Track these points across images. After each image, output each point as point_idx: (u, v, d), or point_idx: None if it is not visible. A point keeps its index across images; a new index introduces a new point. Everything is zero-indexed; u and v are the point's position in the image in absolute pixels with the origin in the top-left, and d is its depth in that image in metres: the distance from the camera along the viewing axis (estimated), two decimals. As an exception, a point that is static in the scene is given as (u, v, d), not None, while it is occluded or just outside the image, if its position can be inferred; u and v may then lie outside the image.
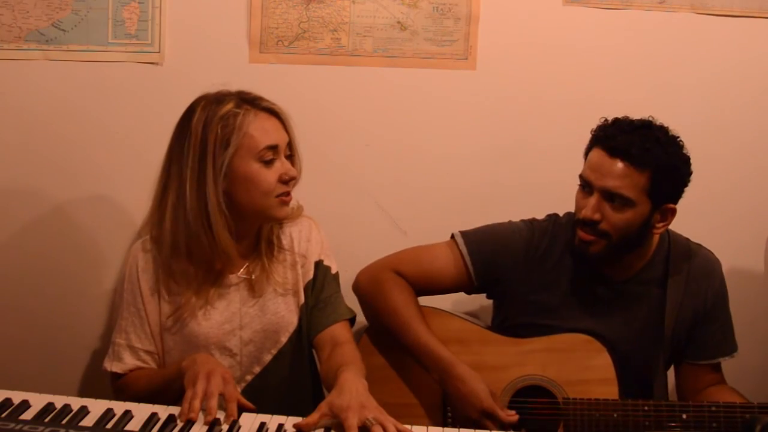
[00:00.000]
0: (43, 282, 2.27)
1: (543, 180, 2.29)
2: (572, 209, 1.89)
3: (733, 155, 2.30)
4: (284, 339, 1.83)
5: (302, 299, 1.84)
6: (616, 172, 1.74)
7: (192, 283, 1.76)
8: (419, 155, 2.29)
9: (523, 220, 1.98)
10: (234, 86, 1.77)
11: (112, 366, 1.78)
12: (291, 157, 1.77)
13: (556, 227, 1.94)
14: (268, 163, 1.70)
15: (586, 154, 1.84)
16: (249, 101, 1.72)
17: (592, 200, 1.78)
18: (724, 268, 1.95)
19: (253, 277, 1.80)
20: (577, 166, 1.87)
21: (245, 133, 1.67)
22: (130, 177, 2.22)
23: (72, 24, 2.14)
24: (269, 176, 1.70)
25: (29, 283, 2.26)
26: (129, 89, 2.19)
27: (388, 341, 1.95)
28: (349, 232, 2.27)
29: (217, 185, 1.66)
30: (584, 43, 2.25)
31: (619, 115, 1.85)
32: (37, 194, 2.22)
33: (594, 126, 1.85)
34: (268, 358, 1.83)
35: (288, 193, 1.74)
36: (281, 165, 1.72)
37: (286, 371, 1.85)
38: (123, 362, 1.78)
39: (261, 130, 1.69)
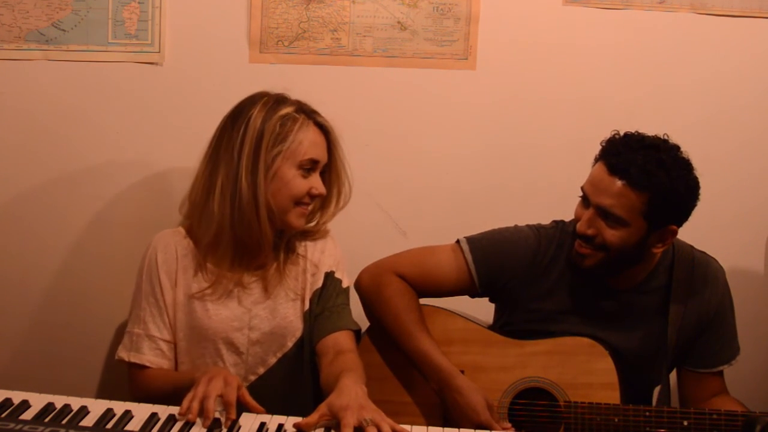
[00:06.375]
0: (43, 282, 2.26)
1: (543, 180, 2.29)
2: (572, 210, 1.89)
3: (733, 155, 2.30)
4: (290, 343, 1.85)
5: (307, 306, 1.86)
6: (613, 190, 1.72)
7: (218, 273, 1.80)
8: (419, 155, 2.29)
9: (529, 226, 1.95)
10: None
11: (130, 356, 1.80)
12: (323, 175, 1.81)
13: (562, 235, 1.91)
14: (305, 174, 1.76)
15: (594, 164, 1.81)
16: (306, 112, 1.79)
17: (587, 214, 1.77)
18: (724, 269, 1.94)
19: (268, 274, 1.83)
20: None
21: (297, 139, 1.74)
22: (130, 176, 2.22)
23: (72, 24, 2.14)
24: (302, 185, 1.76)
25: (29, 282, 2.26)
26: (129, 89, 2.19)
27: (388, 340, 1.94)
28: (349, 232, 2.25)
29: (267, 178, 1.73)
30: (584, 43, 2.25)
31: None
32: (37, 194, 2.22)
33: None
34: (272, 360, 1.85)
35: (308, 206, 1.80)
36: (314, 179, 1.78)
37: (288, 376, 1.86)
38: (141, 352, 1.79)
39: (311, 142, 1.76)
